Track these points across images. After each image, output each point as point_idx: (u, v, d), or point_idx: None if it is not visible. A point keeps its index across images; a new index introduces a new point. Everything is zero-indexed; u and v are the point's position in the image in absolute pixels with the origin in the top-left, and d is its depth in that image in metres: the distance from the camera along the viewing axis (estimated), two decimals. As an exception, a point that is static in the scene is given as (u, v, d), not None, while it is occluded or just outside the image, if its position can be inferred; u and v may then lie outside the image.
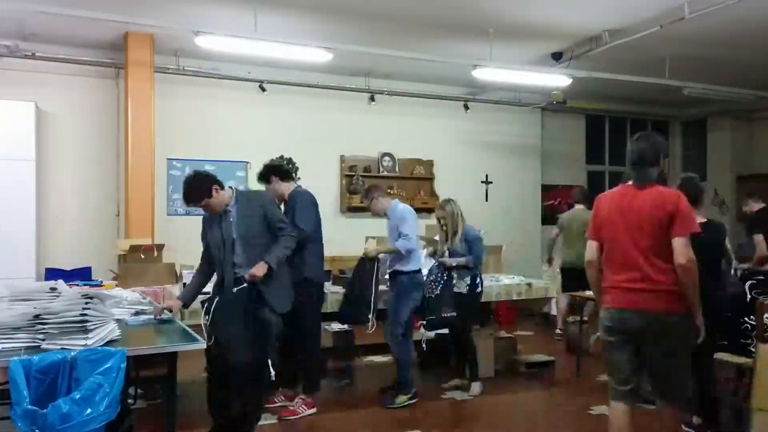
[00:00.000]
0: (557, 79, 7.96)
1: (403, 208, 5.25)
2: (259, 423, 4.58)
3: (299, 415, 4.79)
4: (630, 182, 3.37)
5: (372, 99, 9.07)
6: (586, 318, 6.52)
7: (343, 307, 5.19)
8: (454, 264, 5.28)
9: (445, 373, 5.80)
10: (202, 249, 4.30)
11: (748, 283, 4.45)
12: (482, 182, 9.55)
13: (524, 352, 6.52)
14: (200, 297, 4.27)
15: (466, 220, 5.42)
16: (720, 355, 4.45)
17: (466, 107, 9.69)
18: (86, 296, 3.04)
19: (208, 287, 4.35)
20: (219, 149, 8.27)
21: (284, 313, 4.21)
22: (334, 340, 6.44)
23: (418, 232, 5.34)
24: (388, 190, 9.17)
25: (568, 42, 7.41)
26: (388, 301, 5.25)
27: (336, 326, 6.31)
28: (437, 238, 5.63)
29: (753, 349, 4.17)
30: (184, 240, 7.43)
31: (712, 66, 8.18)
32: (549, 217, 10.10)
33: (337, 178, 8.99)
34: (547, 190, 10.43)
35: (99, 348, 2.87)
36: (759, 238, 6.17)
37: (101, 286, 5.15)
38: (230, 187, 4.19)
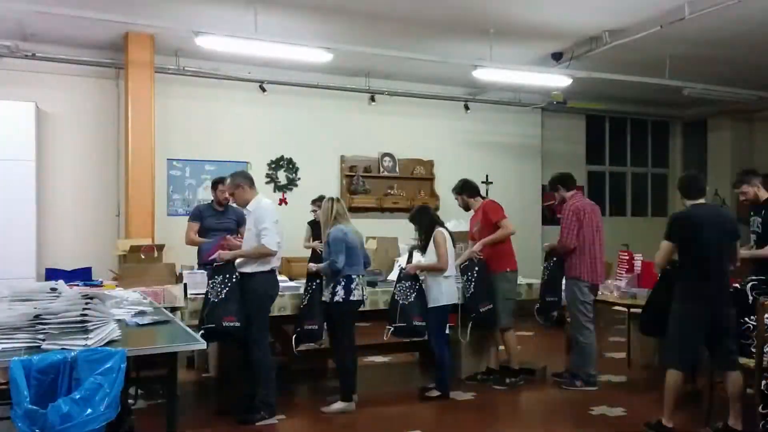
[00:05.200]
0: (557, 79, 7.97)
1: None
2: (259, 423, 4.59)
3: None
4: None
5: (372, 99, 9.07)
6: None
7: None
8: (313, 269, 5.04)
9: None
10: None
11: (750, 283, 4.44)
12: (482, 182, 9.54)
13: (522, 354, 6.50)
14: None
15: (344, 221, 5.00)
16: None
17: (467, 107, 9.69)
18: (86, 296, 3.04)
19: None
20: (219, 149, 8.27)
21: None
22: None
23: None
24: (389, 190, 9.20)
25: (568, 42, 7.41)
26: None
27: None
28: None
29: (754, 350, 4.17)
30: (184, 240, 7.43)
31: (712, 66, 8.18)
32: (549, 217, 10.11)
33: (337, 178, 8.99)
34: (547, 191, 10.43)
35: (99, 348, 2.87)
36: None
37: (101, 286, 5.14)
38: None
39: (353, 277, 4.90)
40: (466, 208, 5.91)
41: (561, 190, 5.74)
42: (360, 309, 5.27)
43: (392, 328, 5.11)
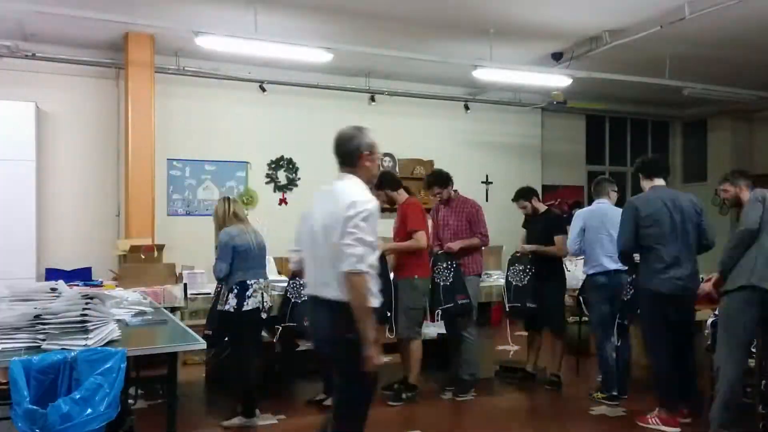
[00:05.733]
0: (557, 79, 7.97)
1: None
2: (259, 423, 4.59)
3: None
4: None
5: (372, 99, 9.07)
6: (586, 318, 6.50)
7: None
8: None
9: (444, 375, 5.79)
10: None
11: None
12: (482, 182, 9.55)
13: (518, 355, 6.51)
14: None
15: (240, 223, 4.64)
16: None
17: (467, 107, 9.69)
18: (86, 296, 3.04)
19: None
20: (219, 149, 8.27)
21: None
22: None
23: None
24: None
25: (568, 42, 7.41)
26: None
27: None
28: None
29: (754, 350, 4.17)
30: (184, 240, 7.43)
31: (712, 66, 8.19)
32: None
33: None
34: (547, 191, 10.40)
35: (99, 348, 2.87)
36: None
37: (101, 286, 5.15)
38: None
39: (248, 283, 4.46)
40: (392, 202, 5.33)
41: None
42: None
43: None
